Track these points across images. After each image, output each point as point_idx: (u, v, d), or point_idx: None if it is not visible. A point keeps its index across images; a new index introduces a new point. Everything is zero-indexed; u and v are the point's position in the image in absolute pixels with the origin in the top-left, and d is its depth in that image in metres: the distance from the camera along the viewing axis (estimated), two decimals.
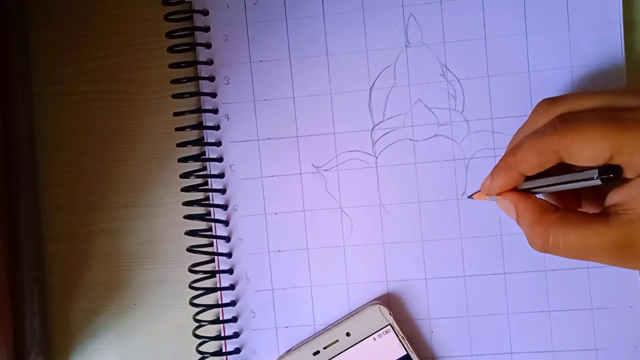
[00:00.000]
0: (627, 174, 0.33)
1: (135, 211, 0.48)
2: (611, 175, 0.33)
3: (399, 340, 0.44)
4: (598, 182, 0.34)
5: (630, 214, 0.33)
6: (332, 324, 0.46)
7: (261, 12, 0.46)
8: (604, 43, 0.44)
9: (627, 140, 0.32)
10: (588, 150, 0.33)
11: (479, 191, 0.41)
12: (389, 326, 0.44)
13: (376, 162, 0.46)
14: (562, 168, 0.36)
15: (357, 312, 0.45)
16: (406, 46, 0.45)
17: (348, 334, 0.45)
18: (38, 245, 0.48)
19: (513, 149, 0.37)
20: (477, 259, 0.45)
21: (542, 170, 0.36)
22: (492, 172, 0.39)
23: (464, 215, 0.45)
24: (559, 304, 0.45)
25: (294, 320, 0.46)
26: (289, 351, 0.46)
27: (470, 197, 0.43)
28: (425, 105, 0.45)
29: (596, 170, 0.33)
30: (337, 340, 0.45)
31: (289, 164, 0.46)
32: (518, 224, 0.38)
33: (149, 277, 0.48)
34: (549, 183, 0.37)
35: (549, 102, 0.38)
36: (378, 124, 0.46)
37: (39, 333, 0.47)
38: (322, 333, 0.45)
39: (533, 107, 0.44)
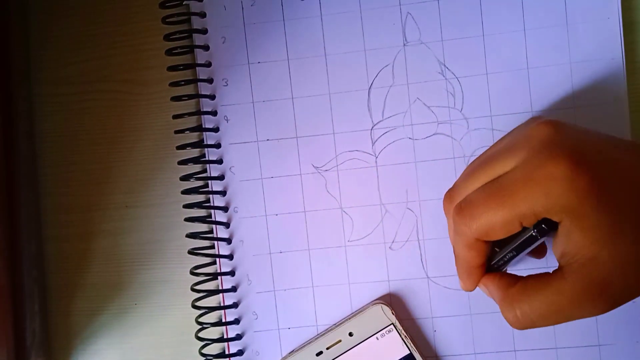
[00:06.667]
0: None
1: (135, 211, 0.48)
2: (544, 227, 0.33)
3: (402, 339, 0.44)
4: (537, 237, 0.34)
5: (578, 259, 0.32)
6: (335, 324, 0.45)
7: (258, 13, 0.46)
8: (602, 38, 0.44)
9: (518, 204, 0.33)
10: (496, 227, 0.34)
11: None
12: (392, 325, 0.44)
13: (376, 162, 0.46)
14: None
15: (360, 311, 0.45)
16: (404, 45, 0.45)
17: (351, 334, 0.44)
18: (38, 245, 0.48)
19: (455, 252, 0.38)
20: None
21: (485, 255, 0.37)
22: (459, 277, 0.39)
23: None
24: None
25: (297, 321, 0.46)
26: (291, 352, 0.45)
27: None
28: (424, 104, 0.45)
29: (532, 229, 0.34)
30: (340, 341, 0.44)
31: (288, 164, 0.46)
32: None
33: (150, 277, 0.48)
34: (503, 257, 0.37)
35: (446, 199, 0.39)
36: (377, 123, 0.46)
37: (39, 333, 0.47)
38: (324, 333, 0.45)
39: (532, 104, 0.44)
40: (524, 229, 0.34)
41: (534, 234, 0.34)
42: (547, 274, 0.35)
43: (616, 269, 0.32)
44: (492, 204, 0.33)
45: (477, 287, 0.40)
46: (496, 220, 0.33)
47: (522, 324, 0.35)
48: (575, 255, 0.32)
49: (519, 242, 0.35)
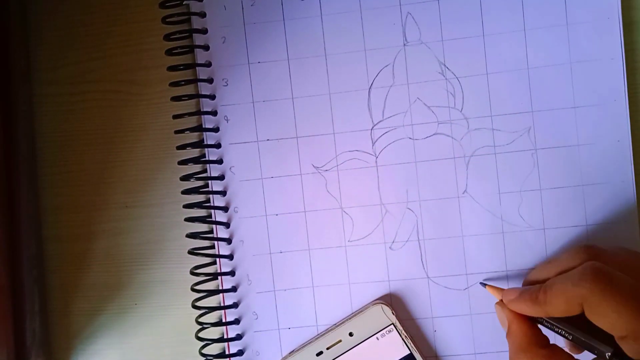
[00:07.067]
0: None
1: (135, 211, 0.48)
2: None
3: (402, 339, 0.44)
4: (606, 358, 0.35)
5: None
6: (335, 324, 0.45)
7: (259, 13, 0.46)
8: (602, 38, 0.44)
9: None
10: (609, 319, 0.33)
11: (495, 287, 0.43)
12: (392, 325, 0.44)
13: (376, 162, 0.46)
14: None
15: (360, 311, 0.45)
16: (404, 45, 0.45)
17: (351, 334, 0.44)
18: (38, 245, 0.48)
19: (545, 288, 0.37)
20: (478, 257, 0.45)
21: (569, 315, 0.36)
22: (521, 294, 0.39)
23: (465, 213, 0.45)
24: None
25: (297, 321, 0.46)
26: (292, 352, 0.45)
27: (483, 285, 0.44)
28: (424, 104, 0.45)
29: (611, 352, 0.34)
30: (340, 341, 0.44)
31: (289, 164, 0.46)
32: (506, 337, 0.40)
33: (150, 277, 0.48)
34: (559, 328, 0.38)
35: (588, 250, 0.38)
36: (377, 123, 0.46)
37: (39, 333, 0.47)
38: (325, 333, 0.45)
39: (532, 104, 0.44)
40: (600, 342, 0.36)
41: (608, 356, 0.35)
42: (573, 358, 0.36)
43: None
44: (630, 308, 0.33)
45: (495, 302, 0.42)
46: (615, 319, 0.33)
47: None
48: None
49: (589, 343, 0.36)
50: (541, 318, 0.39)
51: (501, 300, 0.41)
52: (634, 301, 0.33)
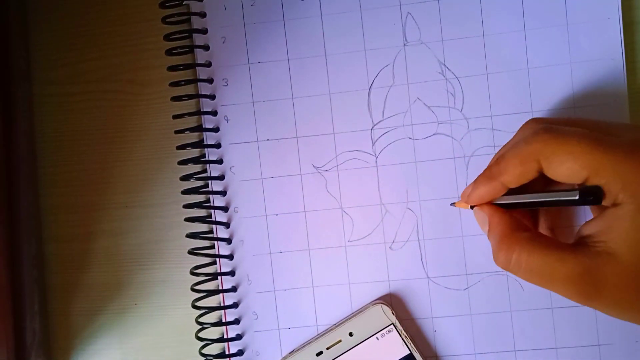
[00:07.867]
0: (605, 201, 0.33)
1: (135, 211, 0.48)
2: (591, 198, 0.33)
3: (402, 339, 0.44)
4: (576, 199, 0.33)
5: (599, 246, 0.33)
6: (335, 324, 0.45)
7: (259, 13, 0.46)
8: (603, 38, 0.44)
9: (607, 162, 0.32)
10: (567, 164, 0.33)
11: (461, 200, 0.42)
12: (392, 325, 0.44)
13: (376, 162, 0.46)
14: (541, 188, 0.37)
15: (360, 312, 0.45)
16: (404, 45, 0.45)
17: (351, 334, 0.44)
18: (38, 245, 0.48)
19: (497, 159, 0.37)
20: (478, 257, 0.45)
21: (525, 181, 0.36)
22: (474, 181, 0.39)
23: (465, 213, 0.45)
24: (562, 300, 0.45)
25: (297, 321, 0.46)
26: (292, 352, 0.45)
27: (453, 204, 0.44)
28: (424, 104, 0.45)
29: (577, 192, 0.33)
30: (340, 341, 0.44)
31: (289, 164, 0.46)
32: (488, 237, 0.38)
33: (150, 277, 0.48)
34: (527, 200, 0.37)
35: (536, 119, 0.39)
36: (377, 123, 0.46)
37: (39, 333, 0.47)
38: (324, 333, 0.45)
39: (532, 104, 0.44)
40: (565, 191, 0.34)
41: (575, 198, 0.34)
42: (557, 240, 0.35)
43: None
44: (584, 147, 0.33)
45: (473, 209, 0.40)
46: (573, 161, 0.33)
47: (510, 267, 0.35)
48: (600, 244, 0.33)
49: (557, 196, 0.35)
50: (512, 204, 0.38)
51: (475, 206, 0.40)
52: (587, 140, 0.33)
